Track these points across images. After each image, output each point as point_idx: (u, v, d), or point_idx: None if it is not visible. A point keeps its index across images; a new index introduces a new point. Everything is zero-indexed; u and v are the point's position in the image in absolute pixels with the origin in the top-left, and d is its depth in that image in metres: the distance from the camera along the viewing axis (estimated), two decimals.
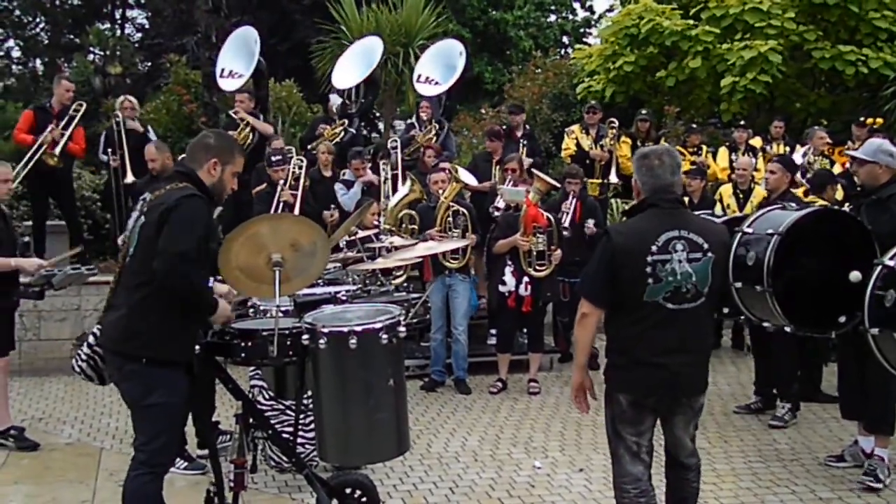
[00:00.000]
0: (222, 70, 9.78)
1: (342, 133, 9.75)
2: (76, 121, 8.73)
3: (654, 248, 3.65)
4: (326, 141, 9.32)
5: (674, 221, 3.73)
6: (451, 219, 7.49)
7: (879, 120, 10.26)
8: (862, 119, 10.13)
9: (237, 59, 9.78)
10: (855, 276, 4.53)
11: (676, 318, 3.68)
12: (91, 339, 3.91)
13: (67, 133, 8.59)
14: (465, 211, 7.53)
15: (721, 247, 3.83)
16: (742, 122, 10.66)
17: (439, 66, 10.42)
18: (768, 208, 5.32)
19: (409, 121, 10.68)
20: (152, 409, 3.70)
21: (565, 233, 7.72)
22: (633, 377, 3.75)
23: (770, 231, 4.76)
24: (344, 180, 8.89)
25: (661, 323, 3.67)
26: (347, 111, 10.26)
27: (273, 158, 8.29)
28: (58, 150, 8.50)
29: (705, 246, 3.71)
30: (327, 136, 9.67)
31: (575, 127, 10.37)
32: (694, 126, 11.16)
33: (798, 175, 8.18)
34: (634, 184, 3.96)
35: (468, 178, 7.85)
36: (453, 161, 9.23)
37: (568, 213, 7.92)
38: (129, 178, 8.78)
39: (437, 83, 10.32)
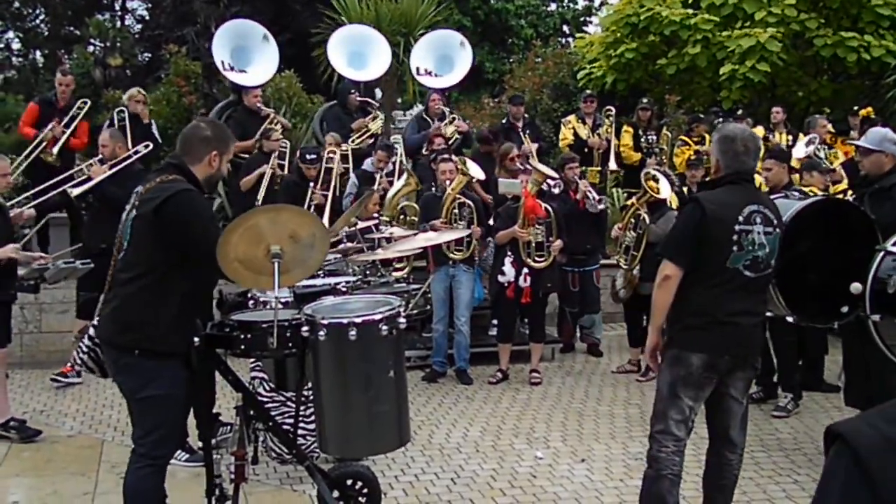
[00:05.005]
0: (226, 64, 9.71)
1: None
2: (79, 119, 8.73)
3: (740, 217, 3.88)
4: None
5: (752, 197, 4.00)
6: (456, 211, 7.48)
7: (869, 109, 10.23)
8: (856, 108, 10.12)
9: (248, 54, 9.76)
10: (856, 287, 4.52)
11: (750, 285, 3.92)
12: (91, 331, 3.91)
13: (68, 132, 8.57)
14: (470, 203, 7.51)
15: (781, 224, 4.05)
16: (740, 112, 10.63)
17: (432, 56, 10.37)
18: (771, 198, 5.28)
19: (410, 112, 10.61)
20: (149, 401, 3.70)
21: (601, 206, 7.92)
22: (711, 336, 3.91)
23: None
24: (363, 170, 8.86)
25: (738, 289, 3.90)
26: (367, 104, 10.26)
27: (308, 157, 8.26)
28: (56, 148, 8.48)
29: (775, 221, 3.98)
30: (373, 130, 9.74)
31: (571, 117, 10.35)
32: (702, 116, 11.12)
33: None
34: (715, 163, 4.11)
35: (476, 172, 7.82)
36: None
37: (590, 192, 7.97)
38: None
39: (435, 74, 10.26)
